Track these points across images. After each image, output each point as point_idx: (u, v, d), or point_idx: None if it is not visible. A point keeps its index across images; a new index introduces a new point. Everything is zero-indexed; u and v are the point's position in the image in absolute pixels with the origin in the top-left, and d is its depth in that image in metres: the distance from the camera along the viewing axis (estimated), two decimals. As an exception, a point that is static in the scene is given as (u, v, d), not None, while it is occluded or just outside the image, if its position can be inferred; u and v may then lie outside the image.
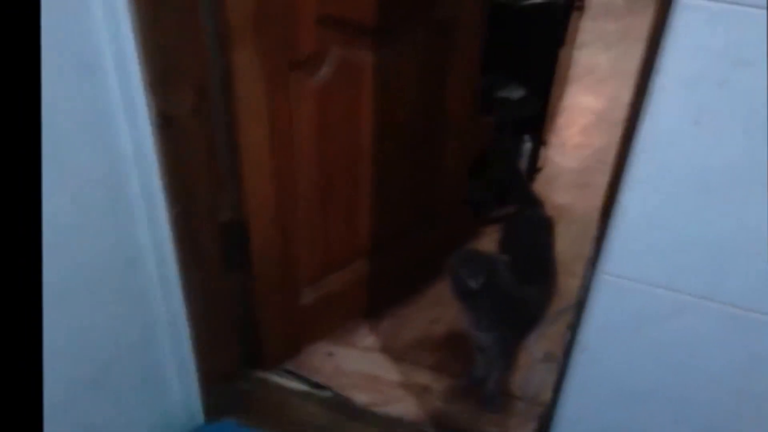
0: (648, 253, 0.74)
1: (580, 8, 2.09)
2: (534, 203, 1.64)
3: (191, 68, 1.00)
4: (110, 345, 1.03)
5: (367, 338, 1.59)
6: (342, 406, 1.39)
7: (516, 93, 1.96)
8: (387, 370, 1.49)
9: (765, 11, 0.57)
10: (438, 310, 1.69)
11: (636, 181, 0.70)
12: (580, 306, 0.82)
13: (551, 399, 0.93)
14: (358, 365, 1.50)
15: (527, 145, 2.08)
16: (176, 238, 1.05)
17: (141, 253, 1.04)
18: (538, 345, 1.38)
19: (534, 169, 2.20)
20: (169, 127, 0.95)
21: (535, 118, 2.09)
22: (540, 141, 2.16)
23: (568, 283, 1.71)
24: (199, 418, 1.31)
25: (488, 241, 1.93)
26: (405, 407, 1.40)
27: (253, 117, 1.11)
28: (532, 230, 1.53)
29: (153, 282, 1.08)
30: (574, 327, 0.83)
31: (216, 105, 1.06)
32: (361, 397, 1.42)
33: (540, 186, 2.25)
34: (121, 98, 0.89)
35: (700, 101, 0.65)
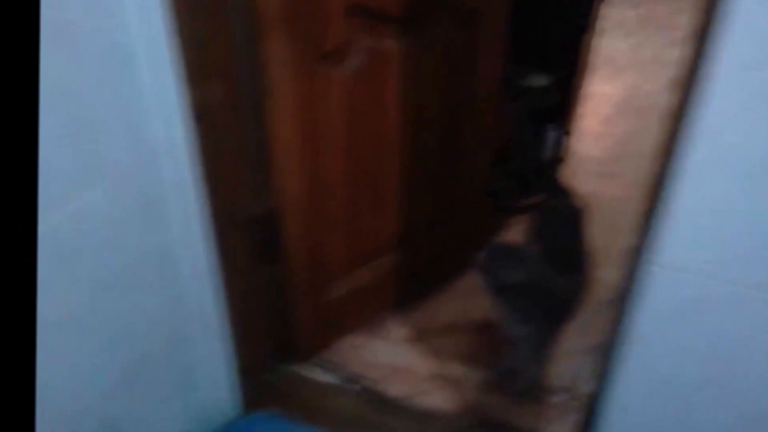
0: (701, 243, 0.72)
1: (602, -7, 2.06)
2: (563, 193, 1.62)
3: (222, 60, 1.01)
4: (147, 339, 1.04)
5: (397, 330, 1.58)
6: (374, 399, 1.39)
7: (540, 81, 1.93)
8: (418, 362, 1.49)
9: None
10: (469, 301, 1.68)
11: (687, 169, 0.69)
12: (626, 297, 0.80)
13: (596, 390, 0.92)
14: (389, 357, 1.50)
15: (551, 135, 2.05)
16: (209, 231, 1.05)
17: (175, 247, 1.04)
18: (578, 337, 1.36)
19: (557, 158, 2.17)
20: (202, 120, 0.95)
21: (559, 106, 2.07)
22: (563, 130, 2.13)
23: (599, 274, 1.70)
24: (234, 410, 1.32)
25: (515, 232, 1.92)
26: (438, 399, 1.39)
27: (283, 108, 1.12)
28: (565, 220, 1.51)
29: (187, 276, 1.08)
30: (621, 318, 0.82)
31: (247, 97, 1.07)
32: (392, 390, 1.41)
33: (563, 176, 2.22)
34: (154, 91, 0.90)
35: (757, 87, 0.62)
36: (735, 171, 0.68)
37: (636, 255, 0.80)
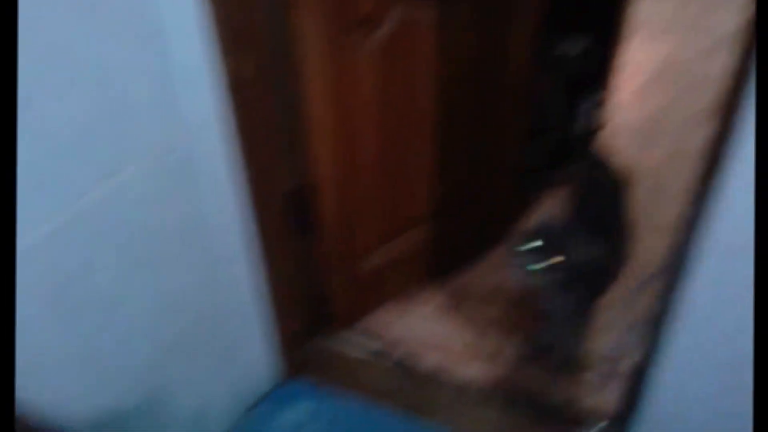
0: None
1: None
2: (599, 164, 1.58)
3: (253, 31, 1.00)
4: (191, 311, 1.06)
5: (431, 302, 1.58)
6: (409, 370, 1.40)
7: (575, 49, 1.87)
8: (453, 335, 1.49)
9: None
10: (502, 274, 1.66)
11: (747, 143, 0.64)
12: (677, 270, 0.77)
13: (642, 364, 0.90)
14: (423, 329, 1.51)
15: (587, 105, 1.99)
16: (246, 204, 1.06)
17: (212, 222, 1.06)
18: (619, 310, 1.34)
19: (594, 128, 2.11)
20: (235, 92, 0.95)
21: (595, 75, 2.00)
22: (601, 99, 2.07)
23: (639, 246, 1.66)
24: (274, 379, 1.36)
25: (550, 204, 1.89)
26: (473, 371, 1.39)
27: (315, 80, 1.11)
28: (603, 192, 1.47)
29: (225, 250, 1.10)
30: (672, 291, 0.79)
31: (279, 69, 1.06)
32: (427, 361, 1.42)
33: (600, 146, 2.16)
34: (187, 65, 0.90)
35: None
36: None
37: (692, 228, 0.76)
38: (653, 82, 2.70)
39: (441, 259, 1.60)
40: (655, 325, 0.91)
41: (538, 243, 1.12)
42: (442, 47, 1.28)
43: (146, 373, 0.99)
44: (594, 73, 2.01)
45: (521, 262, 1.16)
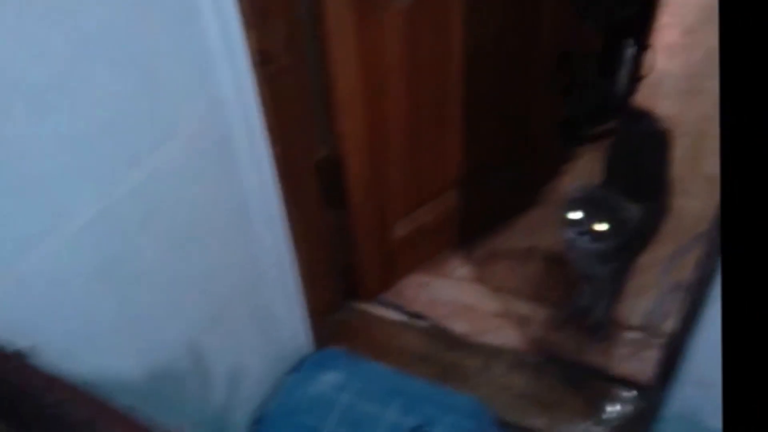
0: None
1: None
2: (641, 116, 1.49)
3: (282, 2, 0.97)
4: (227, 285, 1.09)
5: (462, 269, 1.57)
6: (440, 336, 1.40)
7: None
8: (483, 300, 1.48)
9: None
10: (533, 238, 1.62)
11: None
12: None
13: (681, 331, 0.86)
14: (454, 295, 1.50)
15: (629, 51, 1.87)
16: (278, 177, 1.07)
17: (248, 195, 1.07)
18: (658, 272, 1.29)
19: (636, 77, 1.99)
20: (265, 65, 0.94)
21: (637, 17, 1.87)
22: (643, 44, 1.94)
23: (680, 203, 1.58)
24: (307, 347, 1.38)
25: (585, 162, 1.81)
26: (505, 336, 1.38)
27: (344, 48, 1.09)
28: (644, 146, 1.39)
29: (261, 223, 1.11)
30: (716, 253, 0.74)
31: (307, 38, 1.05)
32: (459, 327, 1.42)
33: (644, 95, 2.05)
34: (220, 38, 0.89)
35: None
36: None
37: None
38: (704, 20, 2.52)
39: (471, 225, 1.58)
40: (695, 290, 0.86)
41: (580, 214, 1.07)
42: (471, 5, 1.21)
43: (190, 343, 1.03)
44: (637, 14, 1.87)
45: (561, 231, 1.12)
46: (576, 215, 1.08)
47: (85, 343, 0.78)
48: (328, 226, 1.29)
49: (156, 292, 0.91)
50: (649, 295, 1.40)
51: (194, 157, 0.92)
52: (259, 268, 1.16)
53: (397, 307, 1.48)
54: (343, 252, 1.37)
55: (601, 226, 1.06)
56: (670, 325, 1.05)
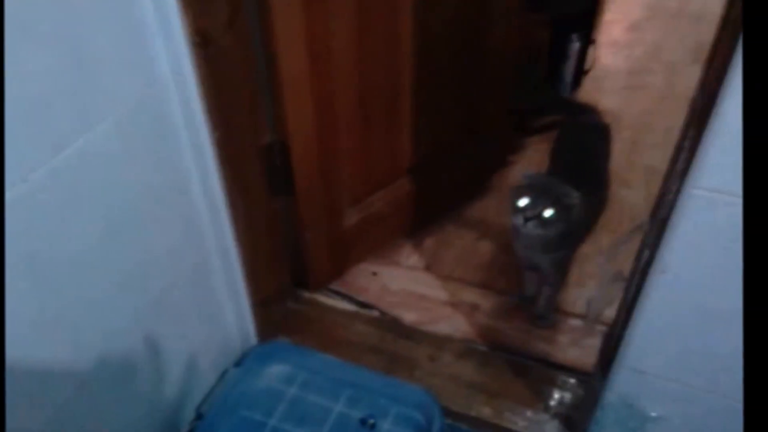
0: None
1: None
2: (586, 109, 1.52)
3: None
4: (169, 271, 1.05)
5: (411, 257, 1.56)
6: (390, 325, 1.40)
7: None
8: (433, 289, 1.48)
9: None
10: (483, 226, 1.64)
11: (737, 85, 0.60)
12: (662, 223, 0.74)
13: (621, 318, 0.89)
14: (404, 284, 1.49)
15: (575, 45, 1.91)
16: (219, 162, 1.03)
17: (188, 179, 1.04)
18: (600, 261, 1.32)
19: (582, 70, 2.03)
20: (205, 46, 0.90)
21: (585, 13, 1.91)
22: (589, 39, 1.98)
23: (620, 194, 1.63)
24: (253, 338, 1.36)
25: (533, 152, 1.84)
26: (453, 325, 1.39)
27: (289, 29, 1.05)
28: (586, 137, 1.43)
29: (202, 208, 1.08)
30: (654, 245, 0.76)
31: (251, 19, 1.01)
32: (408, 316, 1.41)
33: (588, 89, 2.10)
34: (157, 17, 0.86)
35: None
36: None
37: (678, 178, 0.72)
38: (649, 18, 2.60)
39: (422, 213, 1.58)
40: (633, 279, 0.89)
41: (527, 200, 1.08)
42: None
43: (129, 333, 1.00)
44: (585, 10, 1.91)
45: (510, 218, 1.13)
46: (523, 201, 1.09)
47: (8, 338, 0.73)
48: (274, 213, 1.25)
49: (89, 281, 0.87)
50: (591, 283, 1.44)
51: (129, 140, 0.88)
52: (202, 255, 1.13)
53: (347, 297, 1.46)
54: (291, 240, 1.34)
55: (548, 212, 1.08)
56: (611, 313, 1.08)
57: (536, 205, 1.08)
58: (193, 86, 0.92)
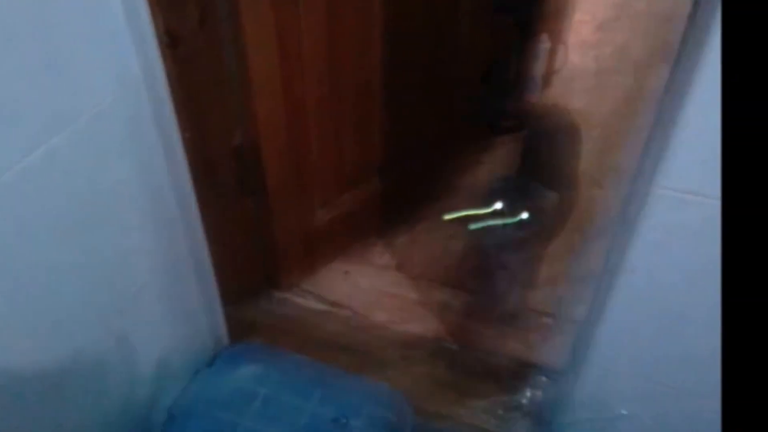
0: (711, 163, 0.66)
1: None
2: (552, 110, 1.55)
3: None
4: (141, 271, 1.04)
5: (383, 257, 1.57)
6: (361, 325, 1.39)
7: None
8: (405, 288, 1.49)
9: None
10: (453, 225, 1.64)
11: (704, 85, 0.61)
12: (628, 223, 0.75)
13: (590, 317, 0.90)
14: (375, 284, 1.50)
15: (544, 45, 1.93)
16: (191, 162, 1.02)
17: (160, 179, 1.02)
18: (568, 261, 1.34)
19: (550, 71, 2.06)
20: (175, 46, 0.91)
21: (550, 13, 1.93)
22: (557, 40, 2.01)
23: (591, 193, 1.66)
24: (225, 339, 1.35)
25: (504, 152, 1.86)
26: (425, 324, 1.40)
27: (259, 30, 1.05)
28: (554, 137, 1.45)
29: (174, 209, 1.07)
30: (620, 244, 0.78)
31: (222, 20, 1.00)
32: (379, 315, 1.42)
33: (557, 89, 2.13)
34: (126, 18, 0.85)
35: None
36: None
37: (642, 178, 0.74)
38: (616, 18, 2.65)
39: (394, 213, 1.58)
40: (604, 277, 0.90)
41: (500, 205, 1.10)
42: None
43: (98, 335, 0.98)
44: (550, 10, 1.93)
45: (477, 222, 1.15)
46: (497, 205, 1.10)
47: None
48: (246, 213, 1.25)
49: (59, 281, 0.86)
50: (562, 282, 1.47)
51: (101, 141, 0.87)
52: (174, 255, 1.11)
53: (319, 296, 1.46)
54: (263, 240, 1.34)
55: (524, 215, 1.10)
56: (577, 313, 1.10)
57: (510, 209, 1.10)
58: (164, 87, 0.91)
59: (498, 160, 1.83)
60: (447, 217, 1.19)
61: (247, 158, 1.17)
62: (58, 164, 0.80)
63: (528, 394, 1.24)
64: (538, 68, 1.96)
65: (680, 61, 0.70)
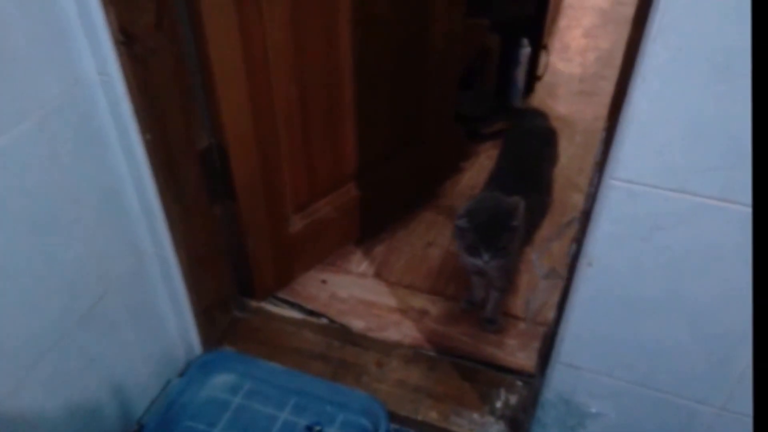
0: (660, 154, 0.68)
1: None
2: (535, 115, 1.57)
3: None
4: (101, 278, 1.04)
5: (360, 264, 1.58)
6: (338, 333, 1.41)
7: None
8: (382, 296, 1.50)
9: None
10: (432, 233, 1.67)
11: (647, 74, 0.64)
12: (586, 216, 0.77)
13: (555, 316, 0.91)
14: (352, 291, 1.50)
15: (525, 50, 1.97)
16: (153, 166, 1.03)
17: (120, 182, 1.03)
18: (540, 262, 1.36)
19: (534, 76, 2.09)
20: (131, 45, 0.90)
21: (534, 18, 1.97)
22: (540, 45, 2.04)
23: (573, 198, 1.68)
24: (197, 348, 1.35)
25: (485, 159, 1.88)
26: (402, 331, 1.40)
27: (221, 30, 1.05)
28: (532, 141, 1.47)
29: (136, 213, 1.08)
30: (579, 239, 0.79)
31: (180, 18, 1.01)
32: (357, 323, 1.42)
33: (541, 95, 2.16)
34: (78, 15, 0.86)
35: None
36: (694, 70, 0.63)
37: (597, 170, 0.76)
38: (601, 24, 2.69)
39: (367, 220, 1.60)
40: (564, 277, 0.91)
41: (478, 237, 1.17)
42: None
43: (56, 344, 0.98)
44: (535, 15, 1.97)
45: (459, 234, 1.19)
46: (473, 241, 1.17)
47: None
48: (214, 219, 1.25)
49: (11, 289, 0.86)
50: (535, 285, 1.48)
51: (53, 141, 0.87)
52: (136, 262, 1.12)
53: (295, 305, 1.47)
54: (234, 247, 1.34)
55: (504, 241, 1.16)
56: (550, 313, 1.11)
57: (486, 243, 1.16)
58: (121, 87, 0.92)
59: (480, 166, 1.85)
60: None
61: (214, 162, 1.19)
62: (6, 164, 0.80)
63: (503, 398, 1.25)
64: (519, 73, 1.99)
65: (627, 55, 0.72)
